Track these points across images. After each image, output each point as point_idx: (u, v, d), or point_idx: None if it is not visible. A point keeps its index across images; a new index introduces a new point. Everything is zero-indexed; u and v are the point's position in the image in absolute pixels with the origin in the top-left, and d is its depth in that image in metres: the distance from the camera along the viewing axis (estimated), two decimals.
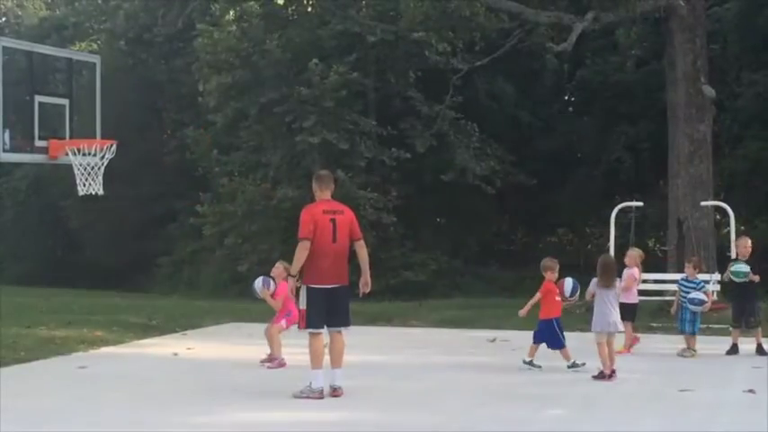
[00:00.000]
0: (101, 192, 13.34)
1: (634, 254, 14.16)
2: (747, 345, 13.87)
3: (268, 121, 27.01)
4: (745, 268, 13.87)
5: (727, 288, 15.80)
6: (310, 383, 10.13)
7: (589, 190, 29.13)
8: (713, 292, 16.67)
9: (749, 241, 14.23)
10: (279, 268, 12.66)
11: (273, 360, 12.39)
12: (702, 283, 14.08)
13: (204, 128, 29.86)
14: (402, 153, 26.23)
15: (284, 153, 26.58)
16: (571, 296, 12.27)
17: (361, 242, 10.51)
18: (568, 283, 12.31)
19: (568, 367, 12.01)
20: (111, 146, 13.43)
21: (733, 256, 15.67)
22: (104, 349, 14.26)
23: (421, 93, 27.12)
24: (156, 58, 34.33)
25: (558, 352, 12.23)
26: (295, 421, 9.17)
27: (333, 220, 10.20)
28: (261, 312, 19.66)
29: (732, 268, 14.00)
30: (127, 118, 30.13)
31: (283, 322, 12.45)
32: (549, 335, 12.18)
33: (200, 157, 30.32)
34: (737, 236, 15.37)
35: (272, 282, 12.67)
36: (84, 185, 13.35)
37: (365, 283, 10.38)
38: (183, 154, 31.63)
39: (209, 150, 29.21)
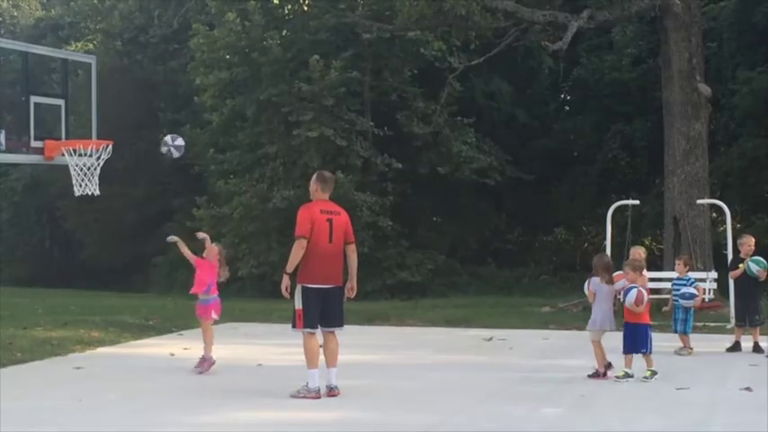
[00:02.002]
0: (97, 192, 13.33)
1: (641, 251, 14.11)
2: (745, 342, 13.89)
3: (266, 117, 27.02)
4: (764, 261, 13.84)
5: (726, 285, 15.82)
6: (307, 383, 10.13)
7: (585, 188, 29.18)
8: (710, 290, 16.73)
9: (752, 240, 14.18)
10: (214, 249, 12.14)
11: (204, 362, 11.98)
12: (693, 280, 14.09)
13: (200, 127, 29.85)
14: (394, 161, 26.33)
15: (282, 151, 26.59)
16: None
17: (353, 246, 10.50)
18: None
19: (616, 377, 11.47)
20: (107, 146, 13.42)
21: (730, 255, 15.70)
22: (101, 350, 14.25)
23: (417, 91, 27.17)
24: (151, 58, 34.30)
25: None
26: (292, 421, 9.16)
27: (330, 221, 10.20)
28: (258, 312, 19.71)
29: (753, 258, 13.91)
30: (123, 118, 30.13)
31: (213, 314, 12.10)
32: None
33: (196, 156, 30.31)
34: (741, 234, 15.32)
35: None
36: (81, 186, 13.34)
37: (351, 287, 10.41)
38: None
39: (206, 149, 29.20)
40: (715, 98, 22.80)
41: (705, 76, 21.76)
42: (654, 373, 11.43)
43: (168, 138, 12.87)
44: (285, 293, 10.14)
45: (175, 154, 12.81)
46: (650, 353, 11.54)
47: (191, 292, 12.21)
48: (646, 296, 11.42)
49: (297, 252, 10.08)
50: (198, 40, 28.12)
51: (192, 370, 11.93)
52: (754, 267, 13.81)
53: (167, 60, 33.83)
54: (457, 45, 26.20)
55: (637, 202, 19.53)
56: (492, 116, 29.22)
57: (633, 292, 11.36)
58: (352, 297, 10.49)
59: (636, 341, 11.49)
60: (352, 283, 10.44)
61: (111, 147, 13.47)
